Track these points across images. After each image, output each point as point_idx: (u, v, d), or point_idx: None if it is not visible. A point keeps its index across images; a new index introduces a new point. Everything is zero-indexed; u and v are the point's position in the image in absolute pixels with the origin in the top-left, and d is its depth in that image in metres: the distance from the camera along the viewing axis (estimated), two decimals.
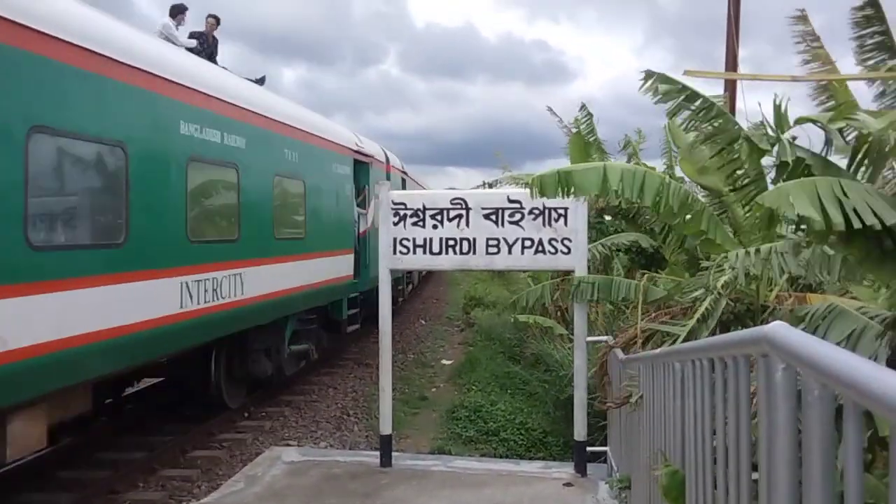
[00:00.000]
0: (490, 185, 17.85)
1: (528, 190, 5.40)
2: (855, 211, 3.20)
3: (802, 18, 5.48)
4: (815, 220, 3.21)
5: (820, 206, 3.26)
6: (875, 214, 3.18)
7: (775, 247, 4.22)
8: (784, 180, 3.88)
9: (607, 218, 12.12)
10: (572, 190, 5.14)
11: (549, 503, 5.57)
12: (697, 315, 4.87)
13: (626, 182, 5.18)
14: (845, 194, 3.28)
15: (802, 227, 3.58)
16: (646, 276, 7.10)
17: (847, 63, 5.31)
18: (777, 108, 4.33)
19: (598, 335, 7.48)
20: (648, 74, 4.80)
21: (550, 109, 15.99)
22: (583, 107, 13.46)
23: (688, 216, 5.49)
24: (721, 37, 10.41)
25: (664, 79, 4.75)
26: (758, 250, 4.26)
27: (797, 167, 3.88)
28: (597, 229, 11.51)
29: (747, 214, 5.39)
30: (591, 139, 12.74)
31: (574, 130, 13.37)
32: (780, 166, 3.97)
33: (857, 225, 3.16)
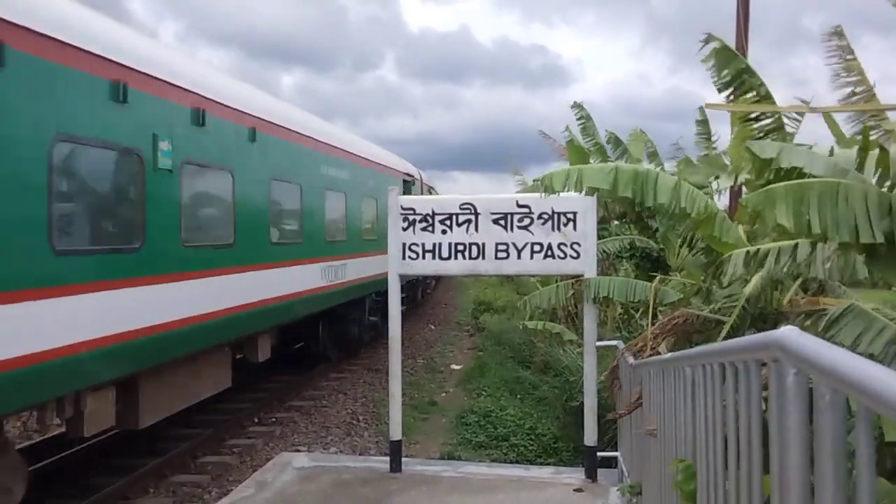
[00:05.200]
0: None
1: (538, 193, 5.37)
2: (853, 223, 3.17)
3: (838, 34, 5.31)
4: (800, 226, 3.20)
5: (804, 214, 3.23)
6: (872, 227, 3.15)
7: (776, 247, 4.18)
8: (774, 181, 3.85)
9: (615, 223, 12.00)
10: (582, 186, 5.09)
11: None
12: (730, 322, 4.82)
13: (639, 184, 5.12)
14: (846, 201, 3.24)
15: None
16: (657, 279, 7.06)
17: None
18: None
19: (609, 339, 7.44)
20: (710, 38, 4.81)
21: (543, 133, 15.60)
22: (575, 105, 12.26)
23: (699, 217, 5.44)
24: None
25: (725, 49, 4.78)
26: (757, 251, 4.22)
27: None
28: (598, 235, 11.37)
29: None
30: (589, 144, 11.82)
31: (567, 139, 12.51)
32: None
33: (845, 238, 3.13)
